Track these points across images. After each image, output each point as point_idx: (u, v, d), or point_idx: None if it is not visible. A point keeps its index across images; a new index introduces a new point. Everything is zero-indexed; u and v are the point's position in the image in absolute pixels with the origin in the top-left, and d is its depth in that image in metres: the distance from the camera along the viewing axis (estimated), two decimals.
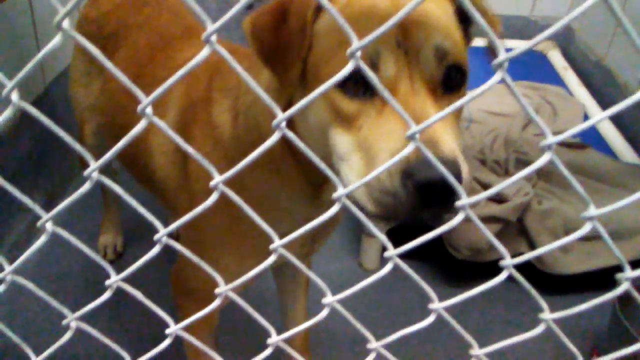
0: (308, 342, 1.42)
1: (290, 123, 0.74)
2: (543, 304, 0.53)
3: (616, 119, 2.33)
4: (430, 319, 0.53)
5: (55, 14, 0.35)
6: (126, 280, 0.50)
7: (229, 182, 0.45)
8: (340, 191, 0.47)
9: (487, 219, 1.68)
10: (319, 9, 0.70)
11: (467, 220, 1.76)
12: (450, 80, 0.68)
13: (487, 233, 0.50)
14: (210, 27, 0.37)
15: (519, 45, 2.76)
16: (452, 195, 0.50)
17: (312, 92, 0.41)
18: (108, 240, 1.86)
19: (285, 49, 0.69)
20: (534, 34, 2.51)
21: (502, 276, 0.51)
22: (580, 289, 1.80)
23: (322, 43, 0.71)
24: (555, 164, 0.47)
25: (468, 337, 0.54)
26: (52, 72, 1.97)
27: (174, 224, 0.47)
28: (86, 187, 0.43)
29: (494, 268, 1.80)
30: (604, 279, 1.55)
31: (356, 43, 0.39)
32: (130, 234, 1.92)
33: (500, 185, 0.49)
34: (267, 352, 0.55)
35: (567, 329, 1.62)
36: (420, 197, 0.59)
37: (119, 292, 0.51)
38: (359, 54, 0.40)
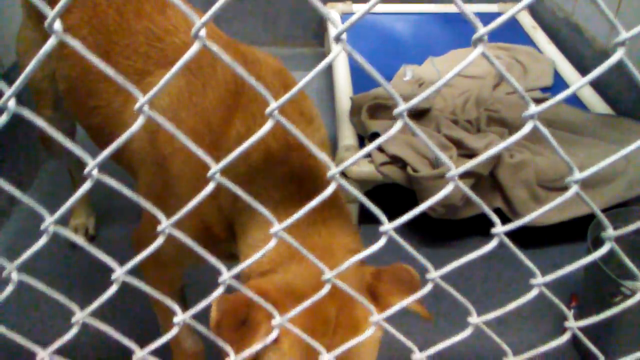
0: None
1: None
2: (535, 269, 0.54)
3: (585, 72, 2.36)
4: (428, 287, 0.55)
5: None
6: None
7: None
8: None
9: (460, 174, 1.69)
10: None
11: (439, 177, 1.74)
12: None
13: (481, 204, 0.51)
14: (198, 21, 0.35)
15: (491, 9, 2.69)
16: None
17: None
18: (79, 223, 1.81)
19: (239, 349, 0.71)
20: None
21: (493, 243, 0.52)
22: (554, 240, 1.85)
23: None
24: (540, 131, 0.48)
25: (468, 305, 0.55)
26: (10, 56, 1.90)
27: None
28: (87, 185, 0.42)
29: (468, 224, 1.78)
30: (579, 228, 1.58)
31: None
32: (103, 216, 1.89)
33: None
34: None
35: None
36: None
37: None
38: None
